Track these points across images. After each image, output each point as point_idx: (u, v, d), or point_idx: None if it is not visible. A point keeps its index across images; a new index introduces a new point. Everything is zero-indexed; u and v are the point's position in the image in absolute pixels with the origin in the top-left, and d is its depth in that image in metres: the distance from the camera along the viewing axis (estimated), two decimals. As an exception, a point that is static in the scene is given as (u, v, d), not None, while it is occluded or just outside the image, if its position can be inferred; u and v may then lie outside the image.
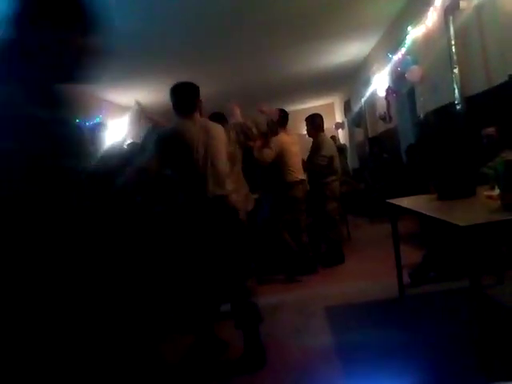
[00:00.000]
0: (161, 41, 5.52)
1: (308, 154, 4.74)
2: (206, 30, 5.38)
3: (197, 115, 2.63)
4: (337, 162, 4.73)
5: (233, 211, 2.56)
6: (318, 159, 4.54)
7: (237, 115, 3.54)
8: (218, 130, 2.69)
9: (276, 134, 3.84)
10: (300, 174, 4.37)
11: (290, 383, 2.29)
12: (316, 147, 4.64)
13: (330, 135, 8.98)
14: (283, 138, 4.27)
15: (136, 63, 6.19)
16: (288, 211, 4.22)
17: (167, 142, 2.53)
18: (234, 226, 2.55)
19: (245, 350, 2.51)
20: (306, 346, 2.62)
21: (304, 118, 4.88)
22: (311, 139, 4.75)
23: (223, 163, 2.61)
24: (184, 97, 2.61)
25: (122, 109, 8.46)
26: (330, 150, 4.67)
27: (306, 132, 4.84)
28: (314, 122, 4.71)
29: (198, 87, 2.67)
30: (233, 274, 2.56)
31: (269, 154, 4.03)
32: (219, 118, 3.64)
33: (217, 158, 2.56)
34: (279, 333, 2.89)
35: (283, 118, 4.31)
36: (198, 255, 2.55)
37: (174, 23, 5.03)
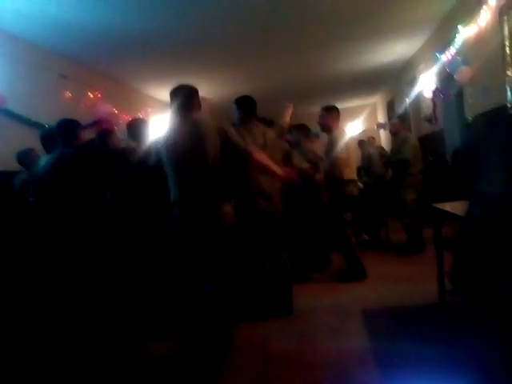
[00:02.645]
0: (202, 37, 5.55)
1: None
2: (248, 27, 5.39)
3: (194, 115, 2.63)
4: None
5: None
6: (407, 150, 5.00)
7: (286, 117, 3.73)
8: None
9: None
10: (354, 173, 4.33)
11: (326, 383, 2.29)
12: (403, 141, 5.18)
13: (370, 136, 8.81)
14: (342, 134, 4.24)
15: (180, 59, 6.27)
16: (345, 209, 4.16)
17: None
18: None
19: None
20: (341, 348, 2.62)
21: (345, 117, 5.06)
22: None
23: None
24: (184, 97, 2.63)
25: (164, 104, 8.66)
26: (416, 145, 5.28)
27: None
28: (404, 120, 5.35)
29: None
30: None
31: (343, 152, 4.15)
32: (266, 122, 3.69)
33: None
34: (315, 333, 2.90)
35: (335, 115, 4.33)
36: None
37: (218, 20, 5.07)
